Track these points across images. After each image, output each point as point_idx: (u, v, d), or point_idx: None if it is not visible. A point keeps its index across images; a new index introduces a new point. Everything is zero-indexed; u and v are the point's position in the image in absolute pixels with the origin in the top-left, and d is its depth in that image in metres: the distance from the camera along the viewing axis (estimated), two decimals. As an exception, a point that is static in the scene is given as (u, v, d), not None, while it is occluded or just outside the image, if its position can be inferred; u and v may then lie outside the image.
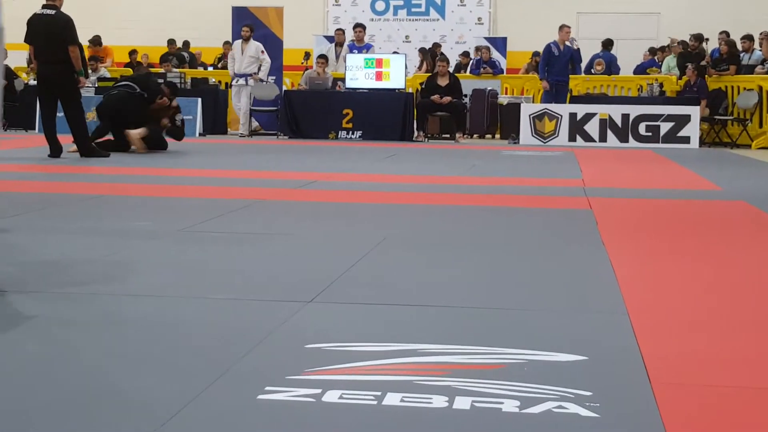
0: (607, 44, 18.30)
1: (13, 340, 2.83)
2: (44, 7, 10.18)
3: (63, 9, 10.23)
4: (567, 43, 15.52)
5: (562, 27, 15.56)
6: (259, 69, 15.45)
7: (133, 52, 19.75)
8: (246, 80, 15.46)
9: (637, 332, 2.97)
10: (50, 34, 9.98)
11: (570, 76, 15.87)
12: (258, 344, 2.78)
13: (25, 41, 10.38)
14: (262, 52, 15.48)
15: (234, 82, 15.53)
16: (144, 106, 11.33)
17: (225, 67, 17.79)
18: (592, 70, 17.41)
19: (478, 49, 18.84)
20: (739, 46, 16.11)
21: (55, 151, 10.19)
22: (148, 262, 4.19)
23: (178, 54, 19.65)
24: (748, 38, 16.23)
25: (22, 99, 14.70)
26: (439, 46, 19.25)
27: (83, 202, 6.37)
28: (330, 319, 3.15)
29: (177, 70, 17.28)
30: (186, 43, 20.49)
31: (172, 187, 7.57)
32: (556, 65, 15.42)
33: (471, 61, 18.45)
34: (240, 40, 15.52)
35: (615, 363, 2.65)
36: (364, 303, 3.41)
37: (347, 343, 2.78)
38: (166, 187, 7.51)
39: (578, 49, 15.83)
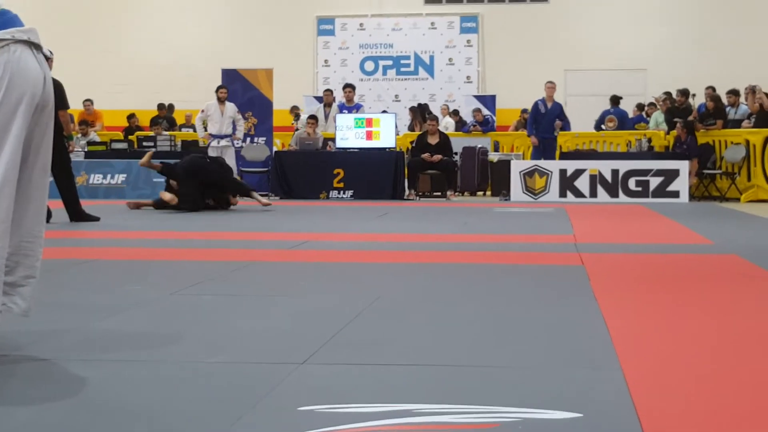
0: (615, 101, 18.41)
1: (5, 409, 2.80)
2: None
3: (54, 72, 10.34)
4: (556, 99, 15.69)
5: (546, 84, 15.76)
6: (234, 129, 15.61)
7: (131, 116, 19.92)
8: (231, 141, 15.56)
9: (632, 388, 2.96)
10: None
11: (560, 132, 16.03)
12: (251, 408, 2.76)
13: None
14: (238, 112, 15.66)
15: (216, 144, 15.52)
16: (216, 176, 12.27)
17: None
18: (603, 126, 17.56)
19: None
20: (725, 101, 16.28)
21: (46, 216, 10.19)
22: (140, 326, 4.17)
23: (169, 117, 19.80)
24: (734, 93, 16.40)
25: None
26: (427, 106, 19.47)
27: (74, 267, 6.35)
28: (323, 381, 3.13)
29: (167, 132, 17.37)
30: (171, 107, 20.66)
31: (164, 250, 7.56)
32: (543, 122, 15.57)
33: (467, 124, 18.70)
34: (215, 102, 15.61)
35: (610, 420, 2.64)
36: (358, 363, 3.39)
37: (341, 405, 2.77)
38: (157, 251, 7.50)
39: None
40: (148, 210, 12.16)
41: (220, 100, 15.52)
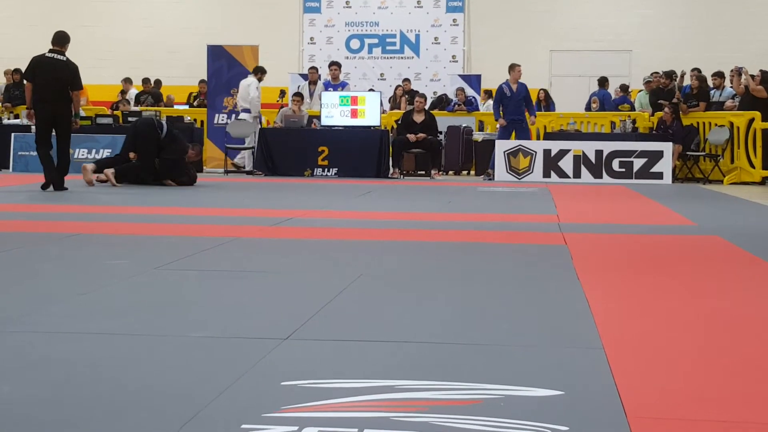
0: (603, 82, 18.41)
1: (-14, 380, 2.80)
2: (52, 51, 11.01)
3: (35, 46, 10.66)
4: (521, 81, 15.58)
5: (513, 67, 15.61)
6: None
7: (124, 91, 19.81)
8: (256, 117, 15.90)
9: (613, 367, 2.98)
10: (60, 78, 10.83)
11: (537, 113, 16.00)
12: (234, 382, 2.77)
13: (26, 78, 11.28)
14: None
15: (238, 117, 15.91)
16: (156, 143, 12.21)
17: (201, 105, 17.82)
18: (592, 107, 17.63)
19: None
20: (710, 83, 16.29)
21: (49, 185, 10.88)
22: (124, 300, 4.17)
23: (153, 92, 19.66)
24: (719, 75, 16.43)
25: None
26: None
27: (57, 241, 6.33)
28: (306, 356, 3.14)
29: (152, 108, 17.27)
30: (158, 82, 20.51)
31: (148, 225, 7.54)
32: (510, 105, 15.39)
33: (452, 102, 18.65)
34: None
35: (591, 398, 2.66)
36: (341, 339, 3.40)
37: (324, 380, 2.78)
38: (142, 226, 7.48)
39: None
40: (124, 185, 12.00)
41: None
